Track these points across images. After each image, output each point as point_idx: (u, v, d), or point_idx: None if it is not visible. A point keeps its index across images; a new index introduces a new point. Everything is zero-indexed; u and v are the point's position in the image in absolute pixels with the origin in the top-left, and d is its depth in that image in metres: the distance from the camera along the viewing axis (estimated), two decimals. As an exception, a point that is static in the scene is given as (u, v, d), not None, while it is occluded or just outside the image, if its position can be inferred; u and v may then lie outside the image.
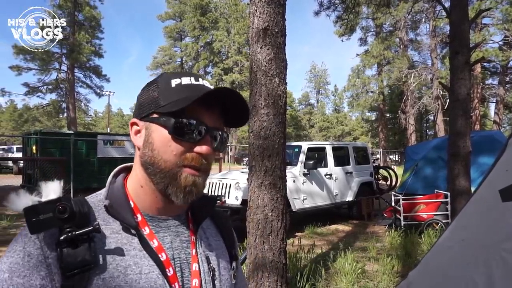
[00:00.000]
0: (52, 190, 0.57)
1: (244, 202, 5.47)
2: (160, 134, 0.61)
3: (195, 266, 0.65)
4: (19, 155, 16.58)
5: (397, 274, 4.15)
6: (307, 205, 6.79)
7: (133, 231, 0.60)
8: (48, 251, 0.53)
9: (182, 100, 0.60)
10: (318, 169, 7.13)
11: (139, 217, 0.63)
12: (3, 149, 23.49)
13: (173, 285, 0.60)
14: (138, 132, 0.65)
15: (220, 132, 0.65)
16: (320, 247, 5.33)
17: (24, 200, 0.55)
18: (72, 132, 12.69)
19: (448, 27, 6.06)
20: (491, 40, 20.40)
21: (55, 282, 0.52)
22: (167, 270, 0.61)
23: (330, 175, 7.44)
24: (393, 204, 6.82)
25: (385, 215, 7.52)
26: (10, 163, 19.67)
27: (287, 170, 6.66)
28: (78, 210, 0.56)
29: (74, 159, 10.27)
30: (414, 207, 6.49)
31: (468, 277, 1.13)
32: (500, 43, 20.46)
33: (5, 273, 0.51)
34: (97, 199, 0.65)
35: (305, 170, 6.85)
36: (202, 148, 0.61)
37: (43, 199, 0.55)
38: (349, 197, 7.77)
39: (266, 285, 3.07)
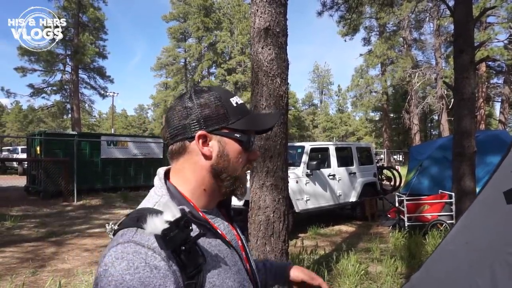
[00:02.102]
0: (174, 207, 0.63)
1: (247, 203, 5.46)
2: (233, 147, 0.74)
3: (239, 242, 0.80)
4: (24, 156, 16.68)
5: (401, 276, 4.11)
6: (310, 206, 6.76)
7: (208, 226, 0.70)
8: (170, 261, 0.60)
9: (252, 121, 0.77)
10: (321, 169, 7.09)
11: (200, 214, 0.73)
12: (8, 150, 23.69)
13: (242, 260, 0.76)
14: (205, 143, 0.72)
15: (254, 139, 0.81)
16: (323, 248, 5.29)
17: (160, 223, 0.60)
18: (76, 133, 12.76)
19: (452, 26, 6.01)
20: (496, 39, 20.22)
21: (180, 284, 0.60)
22: (236, 249, 0.75)
23: (333, 175, 7.40)
24: (397, 204, 6.77)
25: (389, 216, 7.46)
26: (15, 164, 19.82)
27: (290, 171, 6.66)
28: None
29: (78, 160, 10.33)
30: (418, 208, 6.43)
31: (472, 281, 1.10)
32: (505, 41, 20.25)
33: (138, 287, 0.56)
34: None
35: (308, 171, 6.81)
36: (255, 156, 0.79)
37: (170, 218, 0.61)
38: (353, 198, 7.72)
39: (268, 287, 3.05)
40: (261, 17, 3.17)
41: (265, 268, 1.01)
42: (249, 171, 3.67)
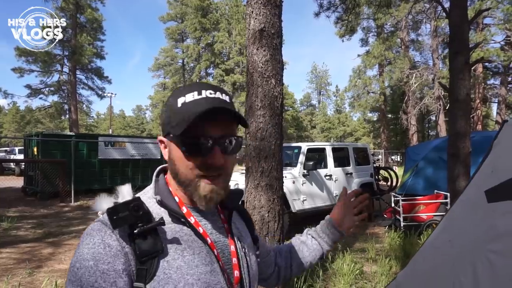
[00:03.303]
0: (126, 192, 0.70)
1: (242, 202, 5.48)
2: (176, 152, 0.71)
3: (232, 248, 0.78)
4: (21, 157, 16.64)
5: (395, 275, 4.13)
6: (306, 206, 6.78)
7: (182, 220, 0.71)
8: (123, 242, 0.63)
9: (181, 122, 0.67)
10: (318, 170, 7.12)
11: (185, 209, 0.74)
12: (5, 151, 23.59)
13: (219, 263, 0.72)
14: (164, 147, 0.75)
15: (229, 139, 0.71)
16: (319, 248, 5.31)
17: (106, 202, 0.67)
18: (73, 134, 12.74)
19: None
20: (493, 40, 20.30)
21: (131, 266, 0.63)
22: (213, 250, 0.72)
23: (330, 176, 7.43)
24: (393, 205, 6.80)
25: (385, 216, 7.49)
26: (12, 165, 19.76)
27: (287, 171, 6.66)
28: (146, 207, 0.68)
29: (75, 161, 10.32)
30: (414, 208, 6.46)
31: (455, 278, 1.13)
32: (502, 43, 20.36)
33: (89, 261, 0.61)
34: (147, 197, 0.75)
35: (305, 171, 6.84)
36: (213, 160, 0.69)
37: (120, 200, 0.67)
38: (349, 198, 7.74)
39: (263, 286, 3.07)
40: (256, 18, 3.19)
41: (318, 234, 1.09)
42: (244, 172, 3.68)
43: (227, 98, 0.73)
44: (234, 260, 0.77)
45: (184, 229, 0.71)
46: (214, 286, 0.69)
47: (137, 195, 0.74)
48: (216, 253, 0.73)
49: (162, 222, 0.66)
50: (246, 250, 0.82)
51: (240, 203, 0.94)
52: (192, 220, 0.73)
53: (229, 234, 0.79)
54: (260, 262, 0.95)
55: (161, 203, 0.71)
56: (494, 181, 1.06)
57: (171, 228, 0.70)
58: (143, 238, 0.64)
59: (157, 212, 0.71)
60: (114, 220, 0.63)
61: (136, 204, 0.65)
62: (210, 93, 0.70)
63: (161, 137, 0.75)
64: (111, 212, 0.63)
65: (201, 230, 0.73)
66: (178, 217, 0.71)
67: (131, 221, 0.64)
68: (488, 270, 1.03)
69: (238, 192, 0.88)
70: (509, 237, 0.99)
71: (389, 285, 1.48)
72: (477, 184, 1.13)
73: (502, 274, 1.02)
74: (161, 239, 0.66)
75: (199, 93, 0.69)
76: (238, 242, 0.80)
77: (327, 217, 1.11)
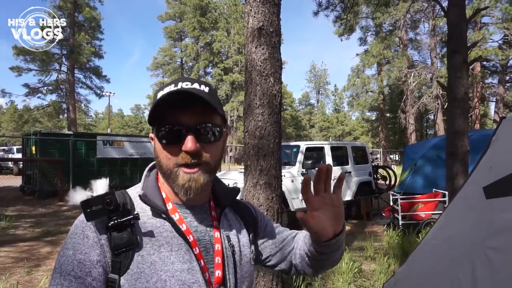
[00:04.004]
0: (100, 186, 0.73)
1: (242, 202, 5.47)
2: (156, 144, 0.72)
3: (217, 246, 0.75)
4: (19, 156, 16.58)
5: (393, 273, 4.14)
6: (305, 205, 6.79)
7: (164, 216, 0.71)
8: (101, 234, 0.66)
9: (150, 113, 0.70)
10: (316, 168, 7.12)
11: (170, 205, 0.74)
12: (3, 150, 23.52)
13: (199, 261, 0.71)
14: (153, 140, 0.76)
15: (204, 125, 0.70)
16: (318, 246, 5.31)
17: (80, 195, 0.69)
18: (72, 133, 12.71)
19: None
20: (491, 39, 20.33)
21: (106, 258, 0.65)
22: (194, 249, 0.71)
23: (329, 174, 7.43)
24: (391, 203, 6.81)
25: (383, 214, 7.51)
26: (10, 164, 19.70)
27: (285, 170, 6.66)
28: (121, 202, 0.69)
29: (74, 160, 10.31)
30: (412, 207, 6.48)
31: (453, 275, 1.13)
32: (500, 42, 20.40)
33: (69, 250, 0.65)
34: (135, 191, 0.77)
35: (304, 170, 6.85)
36: (186, 146, 0.67)
37: (94, 194, 0.69)
38: (348, 197, 7.76)
39: (262, 285, 3.07)
40: (254, 17, 3.19)
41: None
42: (242, 171, 3.68)
43: (205, 89, 0.71)
44: (218, 259, 0.74)
45: (165, 225, 0.71)
46: (190, 284, 0.67)
47: (127, 190, 0.77)
48: (197, 251, 0.71)
49: (136, 217, 0.67)
50: (236, 249, 0.78)
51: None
52: (176, 216, 0.72)
53: (217, 231, 0.77)
54: (274, 257, 0.92)
55: (142, 198, 0.71)
56: (493, 177, 1.05)
57: (152, 223, 0.70)
58: (118, 231, 0.66)
59: (141, 206, 0.72)
60: (88, 213, 0.65)
61: (109, 198, 0.66)
62: (186, 84, 0.69)
63: (151, 134, 0.76)
64: (84, 205, 0.65)
65: (184, 227, 0.72)
66: (157, 211, 0.71)
67: (104, 214, 0.66)
68: (487, 267, 1.03)
69: (233, 190, 0.86)
70: (508, 233, 0.99)
71: (388, 282, 1.48)
72: (475, 180, 1.13)
73: (501, 271, 1.02)
74: (137, 233, 0.67)
75: (176, 85, 0.70)
76: (226, 241, 0.77)
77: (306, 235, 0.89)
